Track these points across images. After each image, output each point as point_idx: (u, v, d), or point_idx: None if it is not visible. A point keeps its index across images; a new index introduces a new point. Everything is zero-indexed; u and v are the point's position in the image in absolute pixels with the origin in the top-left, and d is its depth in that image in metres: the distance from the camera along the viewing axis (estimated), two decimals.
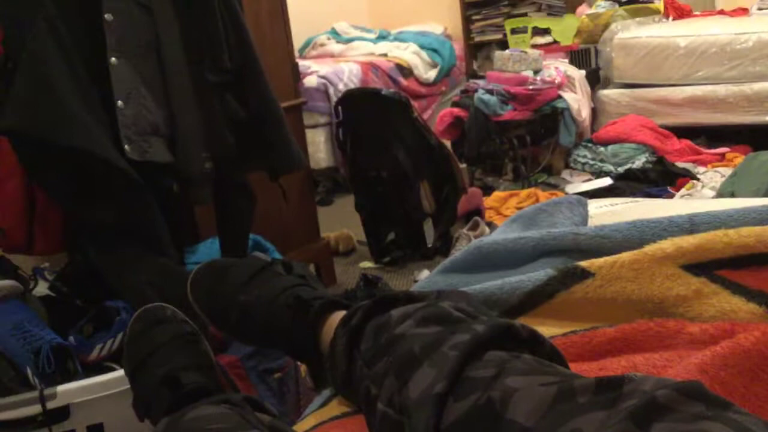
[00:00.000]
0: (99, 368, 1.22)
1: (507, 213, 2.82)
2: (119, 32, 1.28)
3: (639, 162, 3.14)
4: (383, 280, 2.23)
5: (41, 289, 1.41)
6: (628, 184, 2.89)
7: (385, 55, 4.39)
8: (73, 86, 1.20)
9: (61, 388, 1.11)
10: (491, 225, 2.51)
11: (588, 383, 0.49)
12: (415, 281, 2.33)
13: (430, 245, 2.54)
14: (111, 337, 1.23)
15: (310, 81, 3.66)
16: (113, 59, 1.27)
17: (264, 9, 2.05)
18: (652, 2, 4.06)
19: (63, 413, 1.12)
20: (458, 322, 0.63)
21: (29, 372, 1.15)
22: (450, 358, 0.57)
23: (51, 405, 1.10)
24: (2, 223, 1.33)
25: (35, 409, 1.10)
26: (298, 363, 1.38)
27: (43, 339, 1.16)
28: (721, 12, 4.12)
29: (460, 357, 0.56)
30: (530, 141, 3.28)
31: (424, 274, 2.34)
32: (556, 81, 3.36)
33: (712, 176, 2.81)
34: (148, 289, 1.20)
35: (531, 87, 3.25)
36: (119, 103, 1.27)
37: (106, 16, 1.27)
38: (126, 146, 1.26)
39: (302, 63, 3.65)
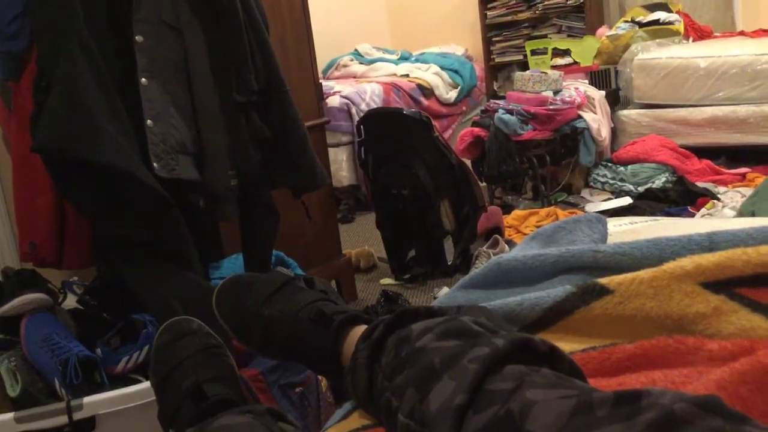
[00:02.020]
0: (125, 380, 1.23)
1: (526, 231, 2.82)
2: (149, 53, 1.32)
3: (659, 182, 3.13)
4: (403, 296, 2.24)
5: (70, 302, 1.43)
6: (647, 204, 2.88)
7: (407, 75, 4.43)
8: (104, 105, 1.23)
9: (87, 399, 1.13)
10: (511, 243, 2.52)
11: (606, 397, 0.50)
12: (435, 298, 2.33)
13: (450, 263, 2.54)
14: (137, 350, 1.25)
15: (333, 101, 3.70)
16: (143, 80, 1.31)
17: (289, 31, 2.09)
18: (672, 24, 4.07)
19: (89, 424, 1.13)
20: (478, 336, 0.64)
21: (57, 383, 1.17)
22: (470, 371, 0.57)
23: (77, 416, 1.12)
24: (33, 238, 1.36)
25: (62, 419, 1.12)
26: (320, 377, 1.39)
27: (70, 351, 1.18)
28: (742, 33, 4.11)
29: (479, 370, 0.57)
30: (550, 160, 3.29)
31: (444, 291, 2.35)
32: (576, 101, 3.36)
33: (732, 196, 2.79)
34: (174, 303, 1.21)
35: (551, 107, 3.26)
36: (149, 122, 1.30)
37: (137, 37, 1.30)
38: (155, 164, 1.29)
39: (326, 83, 3.71)
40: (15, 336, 1.28)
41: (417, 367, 0.63)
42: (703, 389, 0.60)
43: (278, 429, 0.72)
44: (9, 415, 1.12)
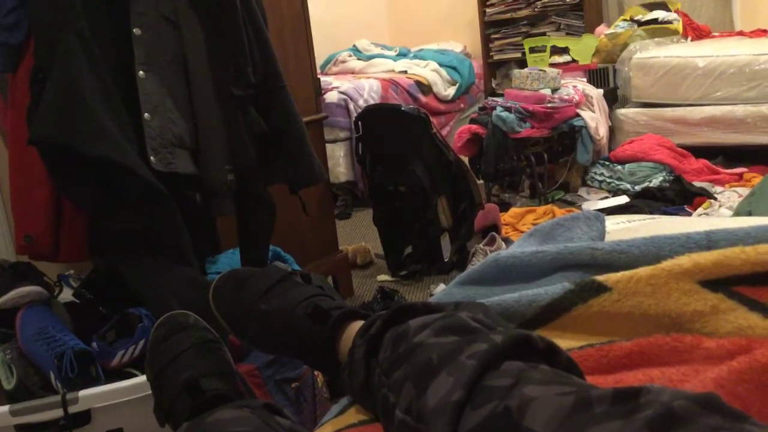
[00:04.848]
0: (121, 374, 1.23)
1: (523, 229, 2.82)
2: (147, 46, 1.31)
3: (656, 181, 3.14)
4: (400, 293, 2.24)
5: (66, 295, 1.42)
6: (645, 203, 2.88)
7: (405, 72, 4.42)
8: (101, 98, 1.23)
9: (83, 392, 1.13)
10: (507, 240, 2.52)
11: (605, 393, 0.50)
12: (431, 295, 2.32)
13: (446, 260, 2.54)
14: (133, 344, 1.24)
15: (331, 96, 3.69)
16: (141, 72, 1.30)
17: (287, 26, 2.09)
18: (671, 23, 4.07)
19: (84, 418, 1.13)
20: (476, 332, 0.64)
21: (52, 376, 1.17)
22: (468, 367, 0.57)
23: (73, 409, 1.12)
24: (30, 231, 1.36)
25: (57, 413, 1.11)
26: (315, 373, 1.39)
27: (66, 344, 1.18)
28: (740, 33, 4.11)
29: (477, 366, 0.57)
30: (547, 158, 3.28)
31: (440, 288, 2.35)
32: (574, 99, 3.36)
33: (729, 196, 2.79)
34: (170, 297, 1.21)
35: (549, 105, 3.26)
36: (146, 115, 1.29)
37: (134, 30, 1.30)
38: (152, 157, 1.28)
39: (324, 79, 3.71)
40: (10, 329, 1.28)
41: (414, 362, 0.63)
42: (701, 387, 0.60)
43: (275, 422, 0.72)
44: (4, 408, 1.12)
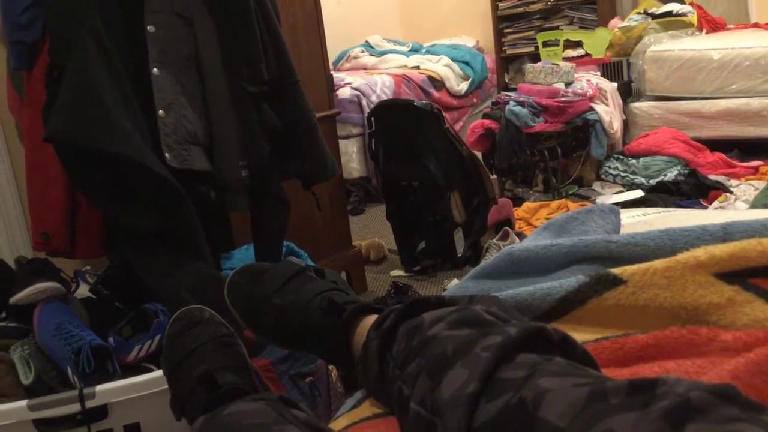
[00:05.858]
0: (137, 369, 1.24)
1: (537, 224, 2.81)
2: (161, 44, 1.32)
3: (671, 174, 3.11)
4: (413, 288, 2.24)
5: (82, 291, 1.43)
6: (659, 197, 2.86)
7: (418, 67, 4.41)
8: (115, 95, 1.24)
9: (99, 387, 1.14)
10: (521, 235, 2.51)
11: (621, 385, 0.50)
12: (445, 290, 2.32)
13: (460, 255, 2.54)
14: (149, 339, 1.25)
15: (344, 92, 3.69)
16: (155, 70, 1.31)
17: (300, 22, 2.09)
18: (686, 15, 4.03)
19: (101, 412, 1.14)
20: (490, 324, 0.64)
21: (70, 371, 1.18)
22: (482, 360, 0.57)
23: (90, 404, 1.13)
24: (46, 228, 1.37)
25: (74, 407, 1.12)
26: (330, 367, 1.39)
27: (83, 340, 1.19)
28: (756, 25, 4.07)
29: (492, 358, 0.57)
30: (561, 153, 3.27)
31: (454, 283, 2.34)
32: (588, 93, 3.34)
33: (745, 189, 2.77)
34: (185, 292, 1.22)
35: (562, 99, 3.24)
36: (160, 112, 1.30)
37: (148, 27, 1.31)
38: (166, 154, 1.29)
39: (336, 75, 3.70)
40: (28, 324, 1.29)
41: (429, 355, 0.63)
42: (717, 379, 0.60)
43: (290, 415, 0.72)
44: (22, 403, 1.13)
